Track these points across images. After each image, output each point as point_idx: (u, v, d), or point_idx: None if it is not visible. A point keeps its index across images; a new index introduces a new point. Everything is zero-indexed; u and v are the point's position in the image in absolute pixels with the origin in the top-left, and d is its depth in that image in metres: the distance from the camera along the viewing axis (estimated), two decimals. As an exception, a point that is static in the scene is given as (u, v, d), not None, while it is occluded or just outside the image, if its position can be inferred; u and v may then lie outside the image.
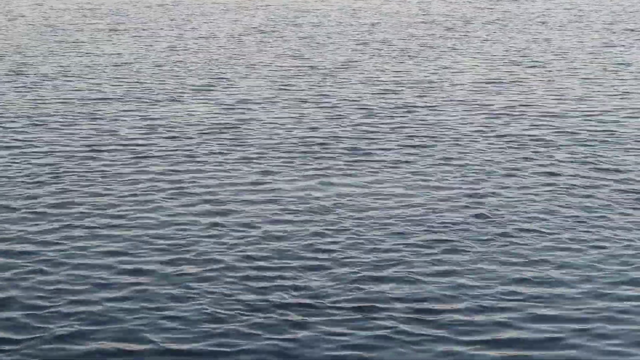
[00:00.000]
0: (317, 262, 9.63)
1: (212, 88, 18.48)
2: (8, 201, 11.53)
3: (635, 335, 7.78)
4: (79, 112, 16.22)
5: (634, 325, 7.91)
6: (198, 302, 8.41)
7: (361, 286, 8.89)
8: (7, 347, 7.44)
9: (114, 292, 8.94)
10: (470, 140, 14.39)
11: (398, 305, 8.22)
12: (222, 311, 8.23)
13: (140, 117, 15.80)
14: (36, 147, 12.23)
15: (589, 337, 7.63)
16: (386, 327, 7.97)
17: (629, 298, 8.28)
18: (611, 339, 7.67)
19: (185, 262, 9.73)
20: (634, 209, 10.97)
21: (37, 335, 8.05)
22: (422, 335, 7.67)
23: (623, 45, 24.31)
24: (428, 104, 16.83)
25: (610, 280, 9.05)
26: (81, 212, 11.10)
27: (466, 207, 11.26)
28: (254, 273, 9.33)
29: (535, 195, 11.61)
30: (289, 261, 9.73)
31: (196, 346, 7.92)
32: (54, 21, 30.11)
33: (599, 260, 9.51)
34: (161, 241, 10.19)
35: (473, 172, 12.75)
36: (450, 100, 17.04)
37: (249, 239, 10.36)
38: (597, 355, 7.58)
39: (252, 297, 8.69)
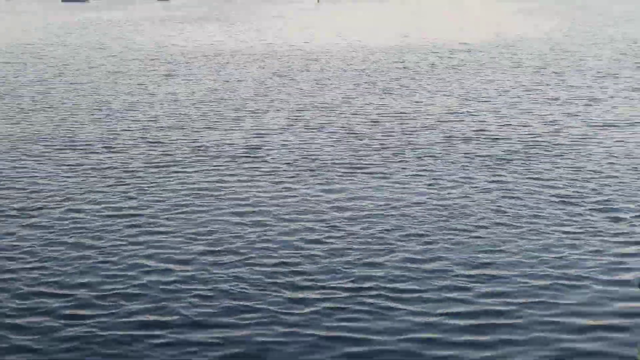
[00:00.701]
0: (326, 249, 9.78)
1: (241, 119, 18.45)
2: (92, 205, 11.61)
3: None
4: (140, 137, 16.30)
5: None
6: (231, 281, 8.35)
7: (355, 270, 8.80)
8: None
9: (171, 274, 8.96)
10: (435, 157, 14.36)
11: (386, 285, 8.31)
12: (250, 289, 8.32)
13: (187, 140, 15.98)
14: (107, 165, 12.08)
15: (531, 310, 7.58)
16: (374, 304, 8.00)
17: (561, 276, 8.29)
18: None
19: (210, 247, 9.87)
20: (559, 206, 10.86)
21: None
22: (405, 310, 7.73)
23: (549, 84, 24.28)
24: (405, 130, 16.86)
25: (544, 261, 9.16)
26: (150, 215, 11.41)
27: (432, 204, 11.37)
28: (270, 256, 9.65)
29: (488, 198, 11.51)
30: (295, 246, 9.98)
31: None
32: (124, 68, 30.14)
33: (533, 248, 9.52)
34: (205, 238, 10.19)
35: (440, 180, 12.71)
36: (422, 127, 17.07)
37: (265, 232, 10.54)
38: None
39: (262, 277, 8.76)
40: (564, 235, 9.92)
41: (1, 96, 22.83)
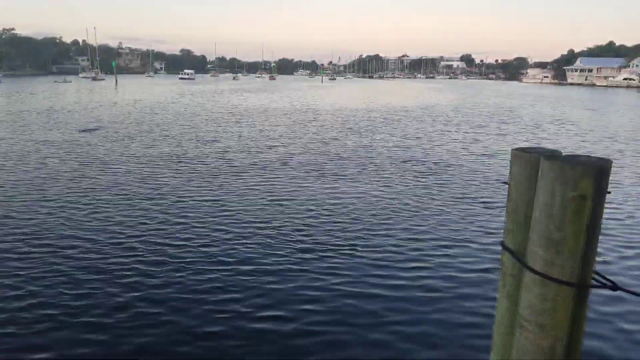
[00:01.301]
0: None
1: (278, 146, 18.48)
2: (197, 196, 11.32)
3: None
4: (221, 156, 16.24)
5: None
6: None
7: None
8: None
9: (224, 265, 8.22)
10: (385, 169, 14.36)
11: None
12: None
13: (249, 158, 15.86)
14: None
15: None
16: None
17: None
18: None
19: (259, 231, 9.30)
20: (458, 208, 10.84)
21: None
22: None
23: (450, 130, 24.23)
24: (367, 154, 16.82)
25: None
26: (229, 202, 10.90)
27: (390, 197, 11.28)
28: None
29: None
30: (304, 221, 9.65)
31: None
32: (213, 117, 30.30)
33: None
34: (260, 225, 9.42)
35: (387, 184, 12.66)
36: (379, 153, 17.02)
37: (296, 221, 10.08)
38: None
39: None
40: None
41: (142, 130, 22.84)
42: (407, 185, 12.60)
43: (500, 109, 40.95)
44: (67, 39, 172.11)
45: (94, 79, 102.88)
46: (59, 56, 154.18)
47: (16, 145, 18.00)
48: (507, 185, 2.16)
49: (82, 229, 8.62)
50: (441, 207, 10.53)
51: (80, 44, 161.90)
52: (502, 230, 2.23)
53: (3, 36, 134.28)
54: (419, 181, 13.14)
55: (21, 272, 6.71)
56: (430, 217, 9.84)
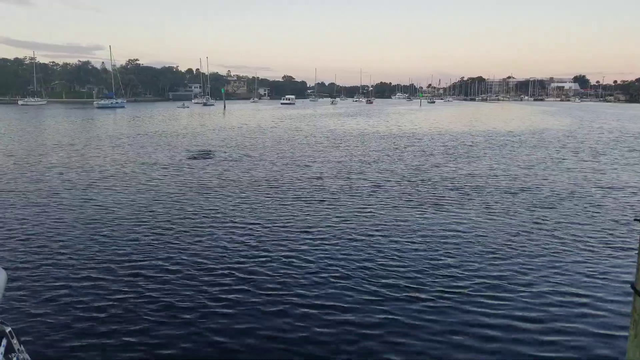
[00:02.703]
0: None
1: (370, 167, 17.92)
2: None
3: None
4: (310, 191, 15.94)
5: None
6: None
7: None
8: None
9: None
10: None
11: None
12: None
13: (342, 178, 15.40)
14: (297, 178, 11.49)
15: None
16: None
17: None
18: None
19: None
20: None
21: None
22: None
23: (565, 157, 22.03)
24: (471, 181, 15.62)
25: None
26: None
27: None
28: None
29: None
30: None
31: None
32: (310, 140, 30.63)
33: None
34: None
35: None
36: (492, 186, 15.75)
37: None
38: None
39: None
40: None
41: (243, 155, 23.40)
42: (515, 218, 11.43)
43: (624, 135, 36.83)
44: (183, 68, 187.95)
45: (205, 104, 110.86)
46: (175, 83, 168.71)
47: (127, 165, 19.46)
48: (638, 222, 1.51)
49: (183, 250, 8.76)
50: (557, 244, 9.40)
51: (194, 72, 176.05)
52: (633, 272, 1.99)
53: (128, 66, 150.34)
54: (530, 214, 11.89)
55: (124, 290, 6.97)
56: (542, 254, 8.80)
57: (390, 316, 6.27)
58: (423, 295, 6.89)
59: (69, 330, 5.92)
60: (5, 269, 1.29)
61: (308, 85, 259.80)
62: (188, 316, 6.27)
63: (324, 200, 13.09)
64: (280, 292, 6.98)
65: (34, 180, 16.25)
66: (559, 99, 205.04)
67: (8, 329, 1.19)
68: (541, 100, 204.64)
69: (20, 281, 7.35)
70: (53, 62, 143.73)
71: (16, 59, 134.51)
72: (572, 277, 7.63)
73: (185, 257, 8.46)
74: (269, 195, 13.81)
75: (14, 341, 1.23)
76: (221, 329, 5.93)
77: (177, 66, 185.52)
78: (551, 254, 8.78)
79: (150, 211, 11.86)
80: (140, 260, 8.31)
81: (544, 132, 39.38)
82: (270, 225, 10.62)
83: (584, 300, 6.82)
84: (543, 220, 11.30)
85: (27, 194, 13.91)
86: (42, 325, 6.01)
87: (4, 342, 1.20)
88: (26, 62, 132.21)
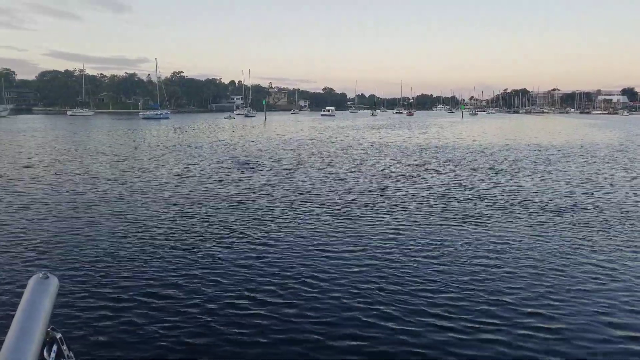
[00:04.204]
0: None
1: (412, 176, 17.42)
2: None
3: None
4: (347, 205, 15.64)
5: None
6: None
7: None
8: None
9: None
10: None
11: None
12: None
13: (391, 186, 15.21)
14: (336, 189, 10.99)
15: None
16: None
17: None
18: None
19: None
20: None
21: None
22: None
23: (613, 173, 20.91)
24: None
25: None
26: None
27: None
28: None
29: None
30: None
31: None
32: (348, 153, 30.55)
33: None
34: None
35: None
36: (539, 203, 15.03)
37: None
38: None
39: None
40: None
41: (280, 167, 23.42)
42: (565, 237, 10.76)
43: (680, 150, 34.80)
44: (225, 80, 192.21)
45: (246, 115, 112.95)
46: (218, 95, 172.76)
47: (169, 176, 19.73)
48: None
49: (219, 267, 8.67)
50: (611, 265, 8.80)
51: (236, 84, 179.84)
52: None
53: (173, 78, 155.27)
54: (581, 233, 11.18)
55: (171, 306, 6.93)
56: (597, 276, 8.25)
57: (425, 350, 5.80)
58: (461, 325, 6.42)
59: (116, 337, 6.02)
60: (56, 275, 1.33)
61: (348, 97, 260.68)
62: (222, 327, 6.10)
63: (360, 217, 12.66)
64: (314, 315, 6.73)
65: (86, 189, 16.49)
66: (606, 112, 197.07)
67: (59, 335, 1.21)
68: (587, 113, 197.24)
69: (69, 288, 7.45)
70: (101, 74, 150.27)
71: (66, 71, 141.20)
72: (632, 310, 6.98)
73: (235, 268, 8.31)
74: (300, 211, 13.36)
75: (64, 347, 1.24)
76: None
77: (220, 78, 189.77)
78: (605, 282, 8.07)
79: (203, 221, 11.88)
80: (189, 270, 8.22)
81: (591, 146, 37.72)
82: (300, 241, 10.35)
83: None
84: (594, 238, 10.61)
85: (77, 202, 14.12)
86: (90, 332, 6.12)
87: (55, 348, 1.21)
88: (75, 74, 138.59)
